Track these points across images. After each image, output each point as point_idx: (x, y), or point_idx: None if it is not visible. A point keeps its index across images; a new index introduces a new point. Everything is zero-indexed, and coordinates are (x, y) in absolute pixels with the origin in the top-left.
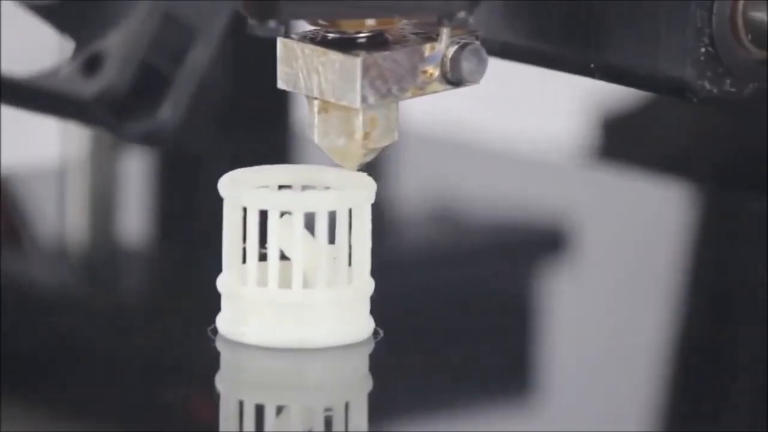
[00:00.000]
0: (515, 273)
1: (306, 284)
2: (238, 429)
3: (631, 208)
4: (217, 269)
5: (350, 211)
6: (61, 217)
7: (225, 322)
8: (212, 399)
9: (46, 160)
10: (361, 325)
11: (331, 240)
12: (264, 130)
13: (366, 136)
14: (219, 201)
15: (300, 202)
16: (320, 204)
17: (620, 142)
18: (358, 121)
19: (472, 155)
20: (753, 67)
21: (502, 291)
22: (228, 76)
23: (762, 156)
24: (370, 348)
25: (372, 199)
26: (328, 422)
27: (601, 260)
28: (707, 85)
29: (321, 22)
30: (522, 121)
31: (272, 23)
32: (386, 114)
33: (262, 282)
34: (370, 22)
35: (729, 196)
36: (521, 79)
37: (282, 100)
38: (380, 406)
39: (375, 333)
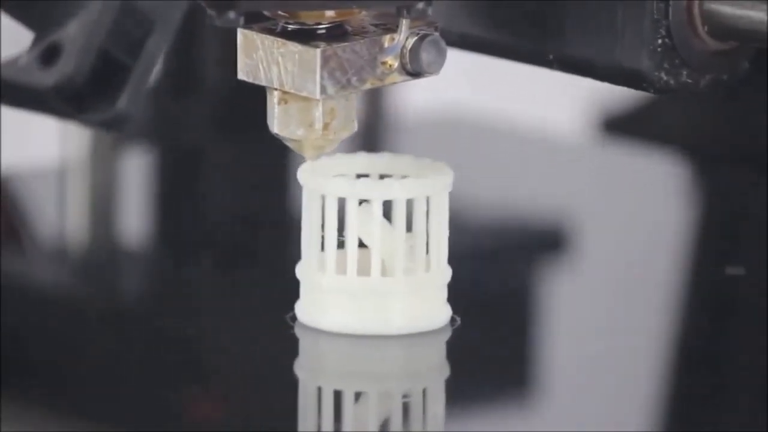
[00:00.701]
0: (515, 270)
1: (384, 272)
2: (317, 415)
3: (632, 206)
4: (219, 268)
5: (428, 199)
6: (61, 217)
7: (304, 309)
8: (213, 399)
9: (46, 160)
10: (439, 313)
11: (409, 228)
12: (264, 130)
13: (325, 126)
14: (219, 200)
15: (378, 191)
16: (398, 192)
17: (621, 139)
18: (318, 111)
19: (472, 152)
20: (710, 58)
21: (502, 287)
22: (228, 76)
23: (762, 154)
24: (447, 335)
25: (450, 188)
26: (406, 409)
27: (602, 257)
28: (664, 77)
29: (280, 13)
30: (522, 118)
31: (231, 14)
32: (345, 105)
33: (341, 269)
34: (330, 13)
35: (729, 194)
36: (521, 75)
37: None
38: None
39: (452, 320)
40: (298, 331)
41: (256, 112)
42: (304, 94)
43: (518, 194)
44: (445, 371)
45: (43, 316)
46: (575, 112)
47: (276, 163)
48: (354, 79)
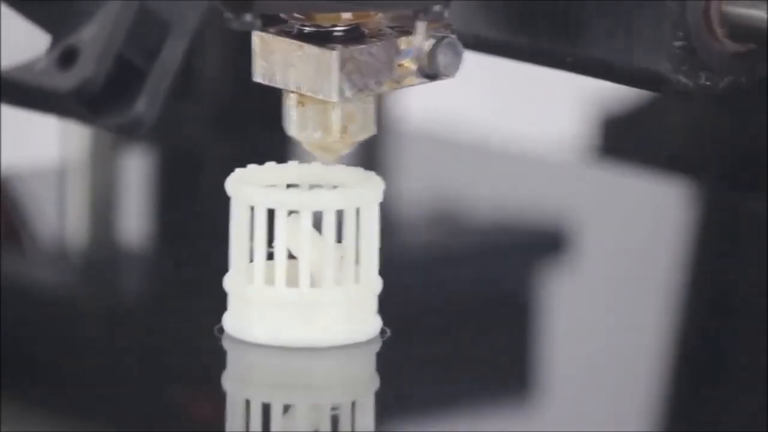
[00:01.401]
0: (515, 272)
1: (313, 283)
2: (244, 428)
3: (631, 208)
4: (219, 268)
5: (358, 210)
6: (61, 217)
7: (232, 321)
8: (213, 398)
9: (46, 160)
10: (369, 324)
11: (339, 239)
12: (264, 130)
13: (344, 129)
14: (219, 200)
15: (308, 201)
16: (328, 203)
17: (620, 141)
18: (336, 114)
19: (472, 154)
20: (728, 60)
21: (502, 290)
22: (228, 76)
23: (762, 156)
24: (377, 347)
25: (380, 198)
26: (335, 421)
27: (602, 260)
28: (683, 79)
29: (297, 15)
30: (522, 120)
31: (248, 17)
32: (363, 108)
33: (270, 281)
34: (346, 15)
35: (729, 196)
36: (521, 78)
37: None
38: (387, 405)
39: (382, 332)
40: (225, 343)
41: (256, 112)
42: (322, 96)
43: (517, 199)
44: (375, 383)
45: (43, 316)
46: (574, 117)
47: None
48: (371, 82)
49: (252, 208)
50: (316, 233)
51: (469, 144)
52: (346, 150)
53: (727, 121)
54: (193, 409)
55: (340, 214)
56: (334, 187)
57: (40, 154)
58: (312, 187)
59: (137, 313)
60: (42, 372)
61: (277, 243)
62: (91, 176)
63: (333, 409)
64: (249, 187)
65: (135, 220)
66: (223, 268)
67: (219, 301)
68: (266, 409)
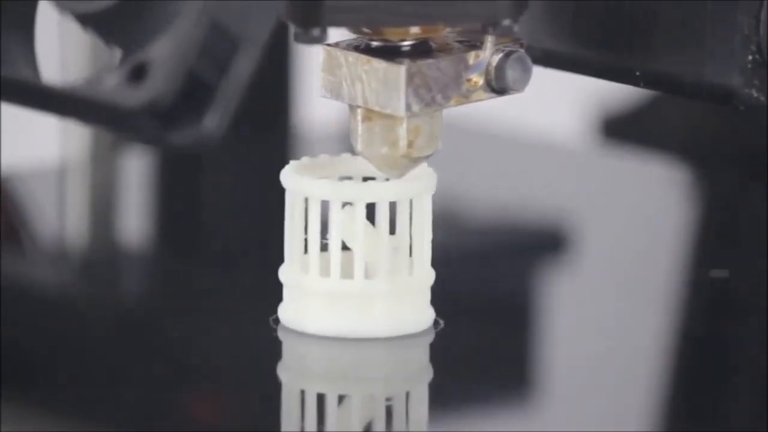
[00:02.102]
0: (515, 270)
1: (367, 275)
2: (299, 419)
3: (633, 205)
4: (220, 267)
5: (411, 201)
6: (61, 217)
7: (287, 312)
8: (213, 398)
9: (46, 160)
10: (422, 315)
11: (392, 230)
12: (264, 130)
13: (410, 144)
14: (219, 200)
15: (362, 193)
16: (381, 195)
17: (621, 139)
18: (402, 129)
19: (471, 152)
20: None
21: (502, 289)
22: None
23: (762, 155)
24: (431, 338)
25: (433, 190)
26: (389, 412)
27: (603, 258)
28: (755, 93)
29: (365, 29)
30: (523, 117)
31: (316, 31)
32: (430, 122)
33: (324, 272)
34: (415, 29)
35: (729, 194)
36: None
37: (283, 100)
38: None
39: (435, 323)
40: (281, 334)
41: (257, 112)
42: (389, 111)
43: (517, 196)
44: (429, 374)
45: (43, 316)
46: (575, 114)
47: (276, 163)
48: (439, 97)
49: (306, 200)
50: (370, 225)
51: (467, 141)
52: (412, 167)
53: (727, 121)
54: (187, 409)
55: (393, 206)
56: (387, 179)
57: (40, 154)
58: (365, 179)
59: (137, 312)
60: (42, 372)
61: (331, 234)
62: (91, 176)
63: (387, 399)
64: (304, 179)
65: (135, 220)
66: (224, 268)
67: (220, 301)
68: (321, 399)
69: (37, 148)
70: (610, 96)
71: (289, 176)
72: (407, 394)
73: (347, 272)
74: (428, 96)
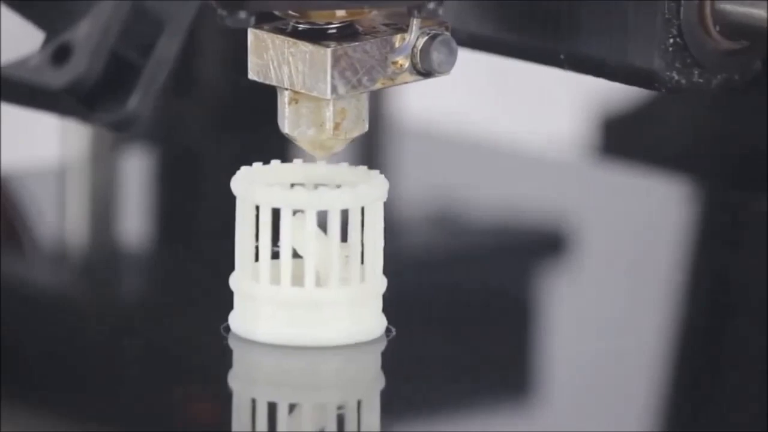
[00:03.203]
0: (515, 272)
1: (318, 282)
2: (250, 427)
3: (632, 208)
4: (219, 268)
5: (363, 209)
6: (61, 217)
7: (237, 320)
8: (215, 399)
9: (46, 160)
10: (374, 323)
11: (344, 238)
12: (264, 130)
13: (336, 126)
14: (219, 200)
15: (313, 201)
16: (333, 202)
17: (621, 141)
18: (329, 111)
19: (472, 154)
20: (721, 58)
21: (503, 290)
22: (228, 76)
23: (762, 156)
24: (382, 346)
25: (384, 198)
26: (341, 420)
27: (602, 260)
28: (675, 76)
29: (291, 12)
30: (522, 120)
31: (242, 14)
32: (356, 105)
33: (275, 280)
34: (341, 13)
35: (729, 196)
36: (521, 77)
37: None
38: (393, 404)
39: (387, 331)
40: (232, 343)
41: (256, 112)
42: (315, 93)
43: (515, 199)
44: (381, 382)
45: (43, 316)
46: (574, 117)
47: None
48: (365, 79)
49: (257, 208)
50: (321, 232)
51: (468, 143)
52: (339, 147)
53: (728, 121)
54: (198, 408)
55: (344, 214)
56: (339, 186)
57: (40, 154)
58: (317, 186)
59: (137, 312)
60: (42, 371)
61: (282, 242)
62: (91, 176)
63: (339, 408)
64: (254, 187)
65: (135, 220)
66: (224, 268)
67: (220, 301)
68: (272, 408)
69: (37, 148)
70: (609, 98)
71: (239, 183)
72: (359, 403)
73: (298, 280)
74: (354, 78)
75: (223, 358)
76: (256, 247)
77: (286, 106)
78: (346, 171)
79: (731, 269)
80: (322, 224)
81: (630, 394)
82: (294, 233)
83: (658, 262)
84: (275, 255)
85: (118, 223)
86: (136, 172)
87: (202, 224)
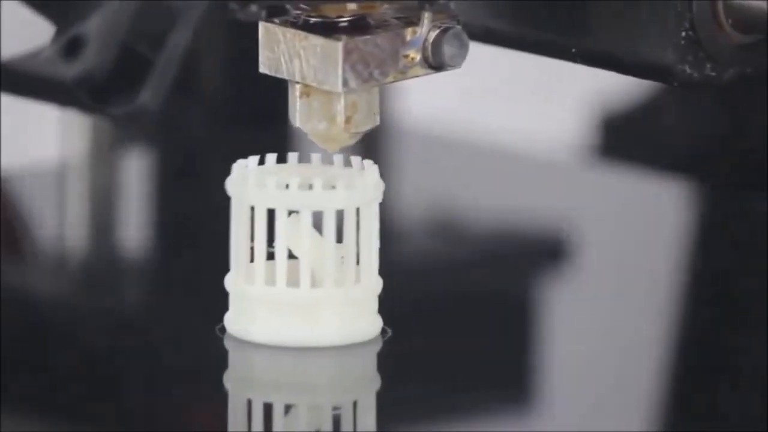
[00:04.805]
0: (514, 273)
1: (314, 283)
2: (246, 428)
3: (632, 209)
4: (220, 268)
5: (358, 210)
6: (60, 217)
7: (233, 321)
8: (210, 400)
9: (46, 160)
10: (370, 324)
11: (339, 239)
12: (264, 128)
13: (348, 120)
14: (219, 199)
15: (308, 201)
16: (328, 203)
17: (621, 141)
18: (340, 105)
19: (472, 154)
20: (733, 51)
21: (502, 291)
22: (228, 75)
23: (762, 156)
24: (378, 347)
25: (380, 198)
26: (337, 421)
27: (603, 262)
28: (688, 70)
29: (302, 6)
30: (523, 122)
31: (253, 7)
32: (368, 98)
33: (270, 281)
34: (352, 6)
35: (729, 197)
36: (522, 77)
37: (283, 97)
38: (388, 405)
39: (383, 332)
40: (227, 343)
41: (257, 111)
42: (326, 87)
43: (516, 200)
44: (376, 383)
45: (42, 316)
46: (575, 118)
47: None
48: (376, 73)
49: (252, 208)
50: (317, 233)
51: (468, 144)
52: (350, 141)
53: (728, 121)
54: (195, 409)
55: (340, 214)
56: (334, 186)
57: (40, 154)
58: (311, 186)
59: (137, 312)
60: (41, 372)
61: (277, 243)
62: (91, 176)
63: (334, 409)
64: (249, 187)
65: (135, 220)
66: (224, 268)
67: (220, 301)
68: (267, 409)
69: (37, 148)
70: (610, 99)
71: (234, 183)
72: (354, 403)
73: (294, 281)
74: (366, 72)
75: (219, 359)
76: (251, 248)
77: (297, 99)
78: (341, 171)
79: (732, 271)
80: (318, 225)
81: (632, 398)
82: (289, 234)
83: (658, 264)
84: (270, 256)
85: (118, 223)
86: (136, 172)
87: (201, 224)
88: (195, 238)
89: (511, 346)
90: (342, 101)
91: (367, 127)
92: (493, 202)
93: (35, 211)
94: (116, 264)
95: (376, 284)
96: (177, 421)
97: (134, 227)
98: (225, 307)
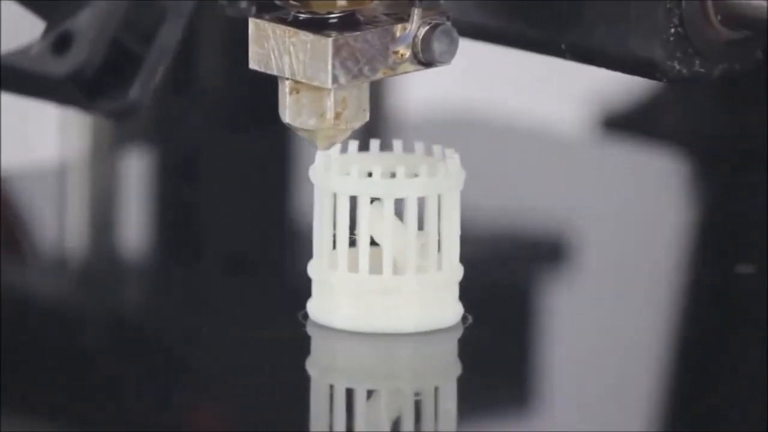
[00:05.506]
0: (514, 273)
1: (395, 270)
2: (328, 413)
3: (633, 210)
4: (221, 267)
5: (439, 197)
6: (60, 217)
7: (315, 308)
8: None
9: (46, 160)
10: (450, 311)
11: (420, 226)
12: (264, 129)
13: (337, 116)
14: (219, 200)
15: (390, 189)
16: (410, 190)
17: (622, 138)
18: (329, 101)
19: (472, 155)
20: (722, 47)
21: (502, 291)
22: (228, 76)
23: (762, 154)
24: (459, 333)
25: (461, 186)
26: (417, 407)
27: (603, 260)
28: (677, 66)
29: (292, 2)
30: (522, 117)
31: (243, 3)
32: (357, 94)
33: (353, 268)
34: (342, 2)
35: (729, 195)
36: (521, 75)
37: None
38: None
39: (464, 318)
40: (310, 330)
41: (257, 111)
42: (316, 83)
43: (519, 193)
44: (457, 370)
45: (42, 316)
46: (576, 111)
47: (277, 162)
48: (366, 69)
49: (335, 196)
50: (398, 221)
51: (469, 140)
52: (340, 137)
53: (728, 120)
54: (203, 412)
55: (421, 202)
56: (416, 174)
57: (40, 154)
58: (394, 174)
59: (137, 313)
60: (41, 373)
61: (360, 230)
62: (91, 176)
63: (415, 395)
64: (332, 175)
65: (135, 220)
66: (225, 267)
67: (219, 301)
68: (349, 395)
69: (37, 148)
70: (611, 90)
71: (317, 172)
72: (435, 390)
73: (376, 268)
74: (355, 68)
75: (302, 345)
76: (334, 235)
77: (287, 95)
78: (422, 159)
79: (732, 271)
80: (400, 212)
81: (632, 398)
82: (371, 221)
83: (658, 263)
84: (353, 243)
85: (118, 223)
86: (136, 172)
87: (202, 224)
88: (194, 238)
89: (511, 343)
90: (331, 97)
91: (356, 123)
92: (493, 202)
93: (35, 211)
94: (114, 264)
95: (457, 271)
96: (261, 407)
97: (134, 227)
98: (219, 310)
